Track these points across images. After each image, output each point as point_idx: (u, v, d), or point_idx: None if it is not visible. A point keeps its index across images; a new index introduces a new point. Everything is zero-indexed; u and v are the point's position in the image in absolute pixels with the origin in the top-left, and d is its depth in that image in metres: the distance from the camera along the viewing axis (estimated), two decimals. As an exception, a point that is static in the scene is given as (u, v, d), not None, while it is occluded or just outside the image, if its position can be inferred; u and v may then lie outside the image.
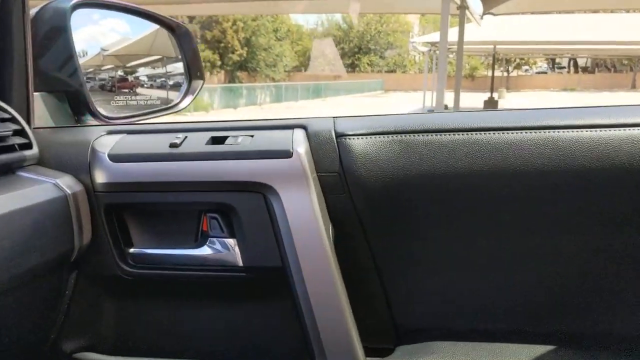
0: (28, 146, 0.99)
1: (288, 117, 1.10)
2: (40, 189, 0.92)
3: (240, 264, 1.01)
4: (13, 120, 0.99)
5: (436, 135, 1.00)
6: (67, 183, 0.97)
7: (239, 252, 1.01)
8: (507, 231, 1.03)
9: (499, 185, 0.99)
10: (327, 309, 0.99)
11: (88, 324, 1.13)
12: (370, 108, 24.02)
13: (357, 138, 1.01)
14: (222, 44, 34.42)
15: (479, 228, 1.03)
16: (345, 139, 1.02)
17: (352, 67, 47.03)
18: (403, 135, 1.01)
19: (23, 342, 1.05)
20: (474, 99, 21.85)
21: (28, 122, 1.08)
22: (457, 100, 13.44)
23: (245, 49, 35.65)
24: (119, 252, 1.04)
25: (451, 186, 1.00)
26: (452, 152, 0.99)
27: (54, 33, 1.17)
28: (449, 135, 1.00)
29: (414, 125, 1.02)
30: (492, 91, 22.24)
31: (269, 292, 1.09)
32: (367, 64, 47.81)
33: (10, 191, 0.86)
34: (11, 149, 0.95)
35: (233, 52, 34.88)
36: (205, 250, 1.02)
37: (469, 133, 0.99)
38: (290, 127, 1.05)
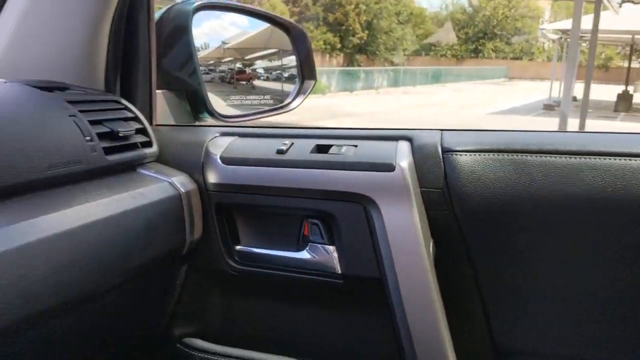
0: (149, 144, 1.06)
1: (394, 127, 1.09)
2: (157, 187, 0.99)
3: (339, 271, 1.02)
4: (136, 119, 1.06)
5: (552, 157, 0.95)
6: (181, 182, 1.04)
7: (337, 259, 1.03)
8: (617, 262, 0.96)
9: (615, 214, 0.92)
10: (424, 325, 0.98)
11: (196, 313, 1.20)
12: (490, 95, 23.19)
13: (465, 154, 0.98)
14: (344, 27, 34.61)
15: (587, 256, 0.97)
16: (452, 154, 0.99)
17: (475, 53, 45.50)
18: (515, 155, 0.97)
19: (139, 327, 1.14)
20: (606, 92, 20.42)
21: (150, 119, 1.15)
22: (586, 92, 12.63)
23: (366, 32, 35.62)
24: (227, 248, 1.09)
25: (562, 212, 0.94)
26: (567, 177, 0.93)
27: (177, 34, 1.24)
28: (566, 158, 0.94)
29: (527, 144, 0.97)
30: (627, 84, 20.60)
31: (365, 301, 1.09)
32: (492, 49, 46.00)
33: (131, 189, 0.93)
34: (134, 146, 1.02)
35: (354, 35, 34.97)
36: (305, 254, 1.05)
37: (588, 157, 0.93)
38: (395, 138, 1.04)
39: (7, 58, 1.05)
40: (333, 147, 1.04)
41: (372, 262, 1.00)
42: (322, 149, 1.04)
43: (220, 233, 1.08)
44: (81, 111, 0.93)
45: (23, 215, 0.74)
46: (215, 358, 1.16)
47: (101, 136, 0.94)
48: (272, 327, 1.17)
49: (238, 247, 1.10)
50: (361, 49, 36.55)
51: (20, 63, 1.05)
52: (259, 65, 1.67)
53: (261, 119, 1.51)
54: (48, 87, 0.96)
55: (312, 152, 1.04)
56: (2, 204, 0.74)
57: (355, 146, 1.03)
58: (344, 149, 1.03)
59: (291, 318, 1.16)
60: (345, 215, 1.00)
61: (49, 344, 0.88)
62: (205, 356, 1.17)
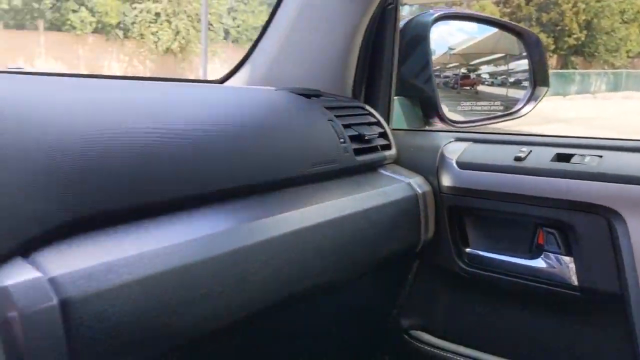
0: (388, 147, 1.14)
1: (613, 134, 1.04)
2: (397, 187, 1.06)
3: (575, 282, 1.01)
4: (378, 124, 1.15)
5: None
6: (418, 183, 1.10)
7: (574, 271, 1.01)
8: None
9: None
10: None
11: (423, 308, 1.26)
12: None
13: None
14: (559, 27, 32.47)
15: None
16: None
17: None
18: None
19: (371, 316, 1.23)
20: None
21: (388, 124, 1.24)
22: None
23: (584, 32, 33.02)
24: (457, 250, 1.13)
25: None
26: None
27: (416, 44, 1.31)
28: None
29: None
30: None
31: (599, 316, 1.05)
32: None
33: (375, 188, 1.02)
34: (375, 149, 1.11)
35: (569, 36, 32.62)
36: (539, 263, 1.04)
37: None
38: None
39: (274, 67, 1.21)
40: (575, 157, 1.02)
41: (612, 277, 0.96)
42: (563, 158, 1.03)
43: (451, 234, 1.13)
44: (336, 116, 1.04)
45: (291, 205, 0.85)
46: (439, 352, 1.21)
47: (351, 139, 1.04)
48: (497, 330, 1.19)
49: (468, 250, 1.13)
50: (577, 50, 33.95)
51: (285, 71, 1.20)
52: (484, 71, 1.68)
53: (487, 125, 1.53)
54: (307, 94, 1.08)
55: (552, 160, 1.03)
56: (274, 195, 0.87)
57: (600, 156, 1.00)
58: (587, 158, 1.01)
59: (517, 324, 1.16)
60: (586, 227, 0.98)
61: (292, 327, 1.00)
62: (430, 349, 1.22)
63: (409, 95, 1.35)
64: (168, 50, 18.08)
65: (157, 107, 0.79)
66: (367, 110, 1.17)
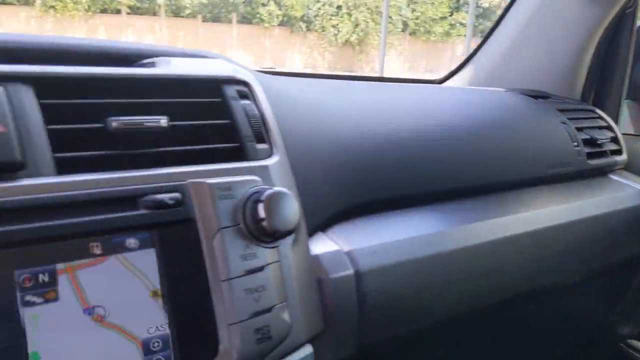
0: (619, 152, 1.11)
1: None
2: (629, 194, 1.04)
3: None
4: (609, 128, 1.13)
5: None
6: None
7: None
8: None
9: None
10: None
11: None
12: None
13: None
14: None
15: None
16: None
17: None
18: None
19: (588, 320, 1.22)
20: None
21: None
22: None
23: None
24: None
25: None
26: None
27: None
28: None
29: None
30: None
31: None
32: None
33: (607, 193, 1.01)
34: (605, 154, 1.09)
35: None
36: None
37: None
38: None
39: (498, 68, 1.23)
40: None
41: None
42: None
43: None
44: (568, 119, 1.04)
45: (530, 205, 0.88)
46: None
47: (583, 142, 1.04)
48: None
49: None
50: None
51: (508, 73, 1.22)
52: None
53: None
54: (535, 96, 1.10)
55: None
56: (512, 194, 0.90)
57: None
58: None
59: None
60: None
61: (514, 324, 1.03)
62: None
63: (638, 98, 1.30)
64: (346, 42, 18.51)
65: (409, 107, 0.86)
66: (597, 113, 1.15)
